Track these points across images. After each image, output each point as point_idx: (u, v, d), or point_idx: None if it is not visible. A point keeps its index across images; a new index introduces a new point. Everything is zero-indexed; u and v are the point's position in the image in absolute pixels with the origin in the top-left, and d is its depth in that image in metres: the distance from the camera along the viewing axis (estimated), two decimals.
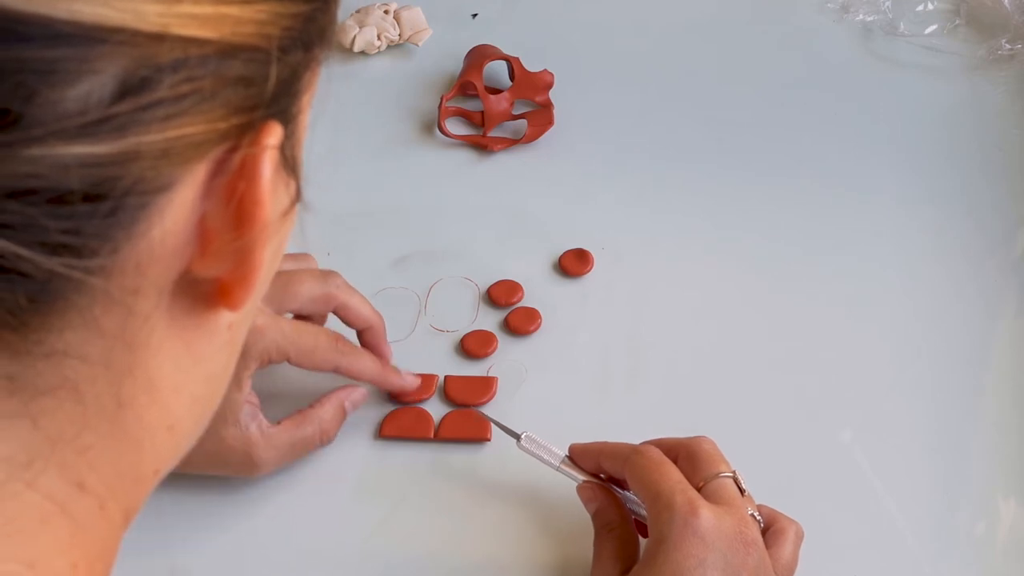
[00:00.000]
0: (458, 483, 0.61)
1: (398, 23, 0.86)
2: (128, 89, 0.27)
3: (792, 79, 0.84)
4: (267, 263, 0.33)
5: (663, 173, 0.77)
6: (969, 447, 0.63)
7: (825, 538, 0.56)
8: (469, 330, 0.67)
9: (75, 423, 0.32)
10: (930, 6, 0.89)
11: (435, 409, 0.64)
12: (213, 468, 0.59)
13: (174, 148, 0.28)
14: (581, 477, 0.58)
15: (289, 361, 0.60)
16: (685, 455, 0.55)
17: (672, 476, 0.53)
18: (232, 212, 0.31)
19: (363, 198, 0.75)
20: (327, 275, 0.62)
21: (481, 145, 0.79)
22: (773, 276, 0.70)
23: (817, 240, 0.73)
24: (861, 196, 0.76)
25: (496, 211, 0.75)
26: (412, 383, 0.64)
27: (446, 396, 0.64)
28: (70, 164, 0.26)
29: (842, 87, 0.84)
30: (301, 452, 0.61)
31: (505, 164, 0.78)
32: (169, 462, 0.37)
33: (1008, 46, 0.84)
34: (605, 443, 0.58)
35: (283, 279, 0.61)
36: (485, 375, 0.65)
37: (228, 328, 0.36)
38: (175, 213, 0.30)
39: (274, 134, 0.31)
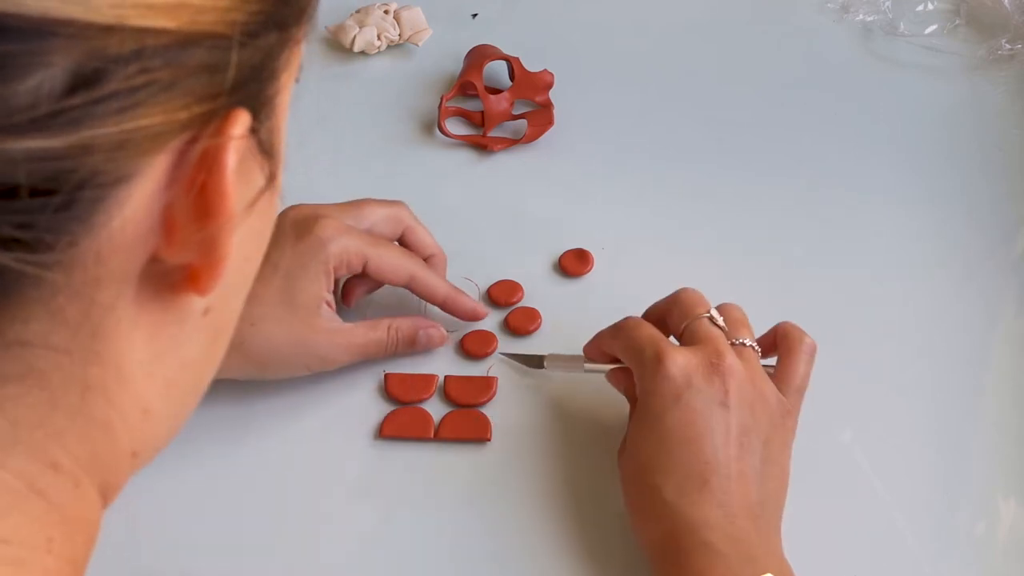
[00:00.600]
0: (458, 483, 0.61)
1: (398, 23, 0.86)
2: (80, 82, 0.26)
3: (792, 79, 0.84)
4: (242, 246, 0.33)
5: (663, 173, 0.77)
6: (969, 447, 0.63)
7: (825, 538, 0.56)
8: (469, 330, 0.67)
9: (42, 408, 0.32)
10: (930, 6, 0.89)
11: (435, 409, 0.64)
12: (300, 357, 0.61)
13: (130, 140, 0.28)
14: (605, 368, 0.61)
15: (366, 268, 0.62)
16: (669, 309, 0.59)
17: (643, 335, 0.57)
18: (194, 202, 0.31)
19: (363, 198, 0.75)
20: (396, 202, 0.66)
21: (481, 145, 0.79)
22: (772, 276, 0.70)
23: (817, 240, 0.73)
24: (861, 196, 0.76)
25: (496, 211, 0.75)
26: (483, 310, 0.67)
27: (446, 396, 0.64)
28: (20, 159, 0.26)
29: (842, 87, 0.84)
30: (370, 354, 0.63)
31: (505, 164, 0.78)
32: (148, 445, 0.37)
33: (1008, 46, 0.84)
34: (600, 331, 0.61)
35: (354, 204, 0.64)
36: (485, 375, 0.65)
37: (203, 314, 0.35)
38: (135, 204, 0.30)
39: (240, 123, 0.31)
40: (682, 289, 0.59)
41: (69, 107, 0.26)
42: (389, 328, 0.64)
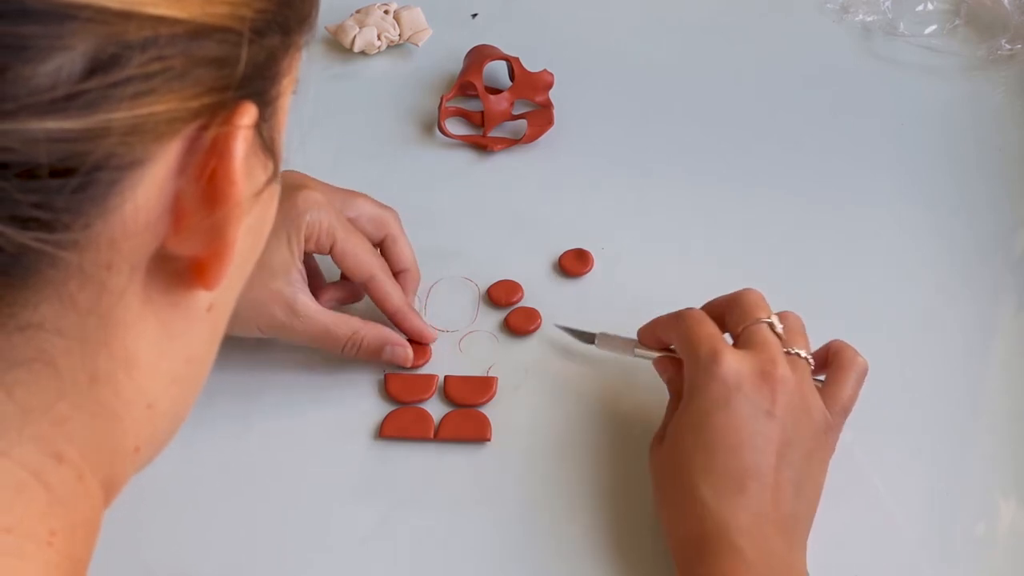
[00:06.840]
0: (458, 483, 0.61)
1: (398, 23, 0.86)
2: (98, 66, 0.27)
3: (792, 79, 0.84)
4: (243, 241, 0.34)
5: (663, 173, 0.77)
6: (969, 447, 0.63)
7: (825, 538, 0.56)
8: (468, 331, 0.67)
9: (50, 395, 0.32)
10: (930, 6, 0.89)
11: (435, 409, 0.64)
12: (252, 318, 0.60)
13: (144, 125, 0.29)
14: (655, 354, 0.61)
15: (332, 250, 0.62)
16: (730, 308, 0.59)
17: (703, 331, 0.57)
18: (204, 189, 0.32)
19: None
20: (388, 207, 0.66)
21: (481, 145, 0.79)
22: (771, 275, 0.70)
23: (816, 240, 0.73)
24: (861, 196, 0.76)
25: (496, 211, 0.75)
26: (430, 333, 0.65)
27: (446, 396, 0.64)
28: (40, 138, 0.27)
29: (842, 87, 0.84)
30: (324, 346, 0.62)
31: (505, 164, 0.78)
32: (150, 440, 0.37)
33: (1008, 46, 0.84)
34: (658, 317, 0.61)
35: (347, 191, 0.64)
36: (485, 375, 0.65)
37: (208, 310, 0.36)
38: (148, 189, 0.31)
39: (248, 114, 0.32)
40: (746, 290, 0.59)
41: (86, 90, 0.27)
42: (354, 335, 0.62)
